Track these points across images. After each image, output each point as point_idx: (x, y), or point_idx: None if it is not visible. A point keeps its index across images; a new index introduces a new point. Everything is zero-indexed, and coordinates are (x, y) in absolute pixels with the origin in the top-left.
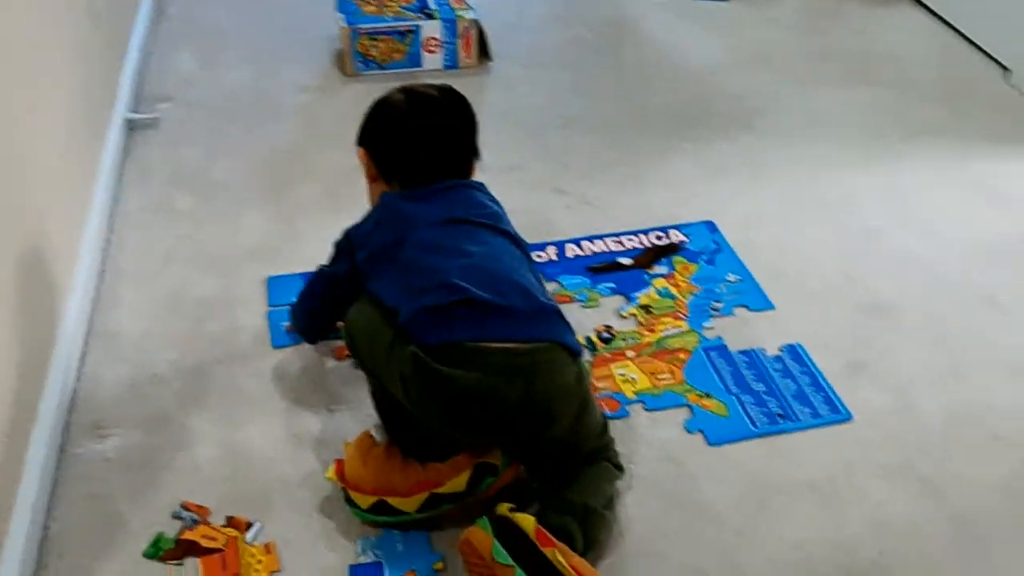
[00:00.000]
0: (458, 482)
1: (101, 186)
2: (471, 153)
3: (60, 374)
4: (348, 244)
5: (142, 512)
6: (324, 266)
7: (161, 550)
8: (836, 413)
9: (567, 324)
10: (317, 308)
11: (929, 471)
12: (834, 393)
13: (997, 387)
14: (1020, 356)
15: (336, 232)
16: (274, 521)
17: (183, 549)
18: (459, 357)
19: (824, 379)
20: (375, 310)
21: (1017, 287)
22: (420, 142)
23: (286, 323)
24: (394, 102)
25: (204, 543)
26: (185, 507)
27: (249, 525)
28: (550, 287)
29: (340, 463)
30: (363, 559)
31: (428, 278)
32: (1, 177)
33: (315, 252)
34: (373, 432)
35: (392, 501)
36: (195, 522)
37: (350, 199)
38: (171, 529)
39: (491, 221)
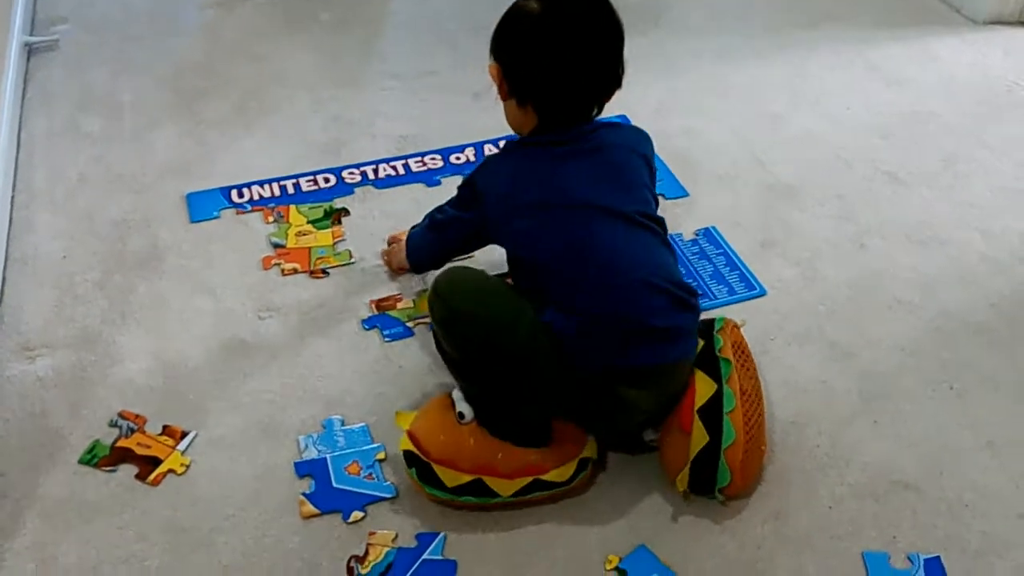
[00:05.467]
0: (564, 472)
1: (4, 111)
2: (615, 77)
3: None
4: (474, 193)
5: (80, 426)
6: (445, 206)
7: (96, 457)
8: (751, 289)
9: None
10: (443, 248)
11: (837, 336)
12: (748, 270)
13: (898, 256)
14: (918, 226)
15: (251, 144)
16: (213, 426)
17: (118, 456)
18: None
19: (738, 258)
20: (506, 287)
21: (914, 163)
22: (558, 58)
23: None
24: (527, 8)
25: (139, 450)
26: (122, 416)
27: (184, 434)
28: None
29: (414, 435)
30: (307, 455)
31: (593, 287)
32: None
33: (229, 166)
34: (450, 400)
35: (490, 481)
36: (131, 430)
37: (260, 112)
38: (109, 438)
39: (641, 207)
